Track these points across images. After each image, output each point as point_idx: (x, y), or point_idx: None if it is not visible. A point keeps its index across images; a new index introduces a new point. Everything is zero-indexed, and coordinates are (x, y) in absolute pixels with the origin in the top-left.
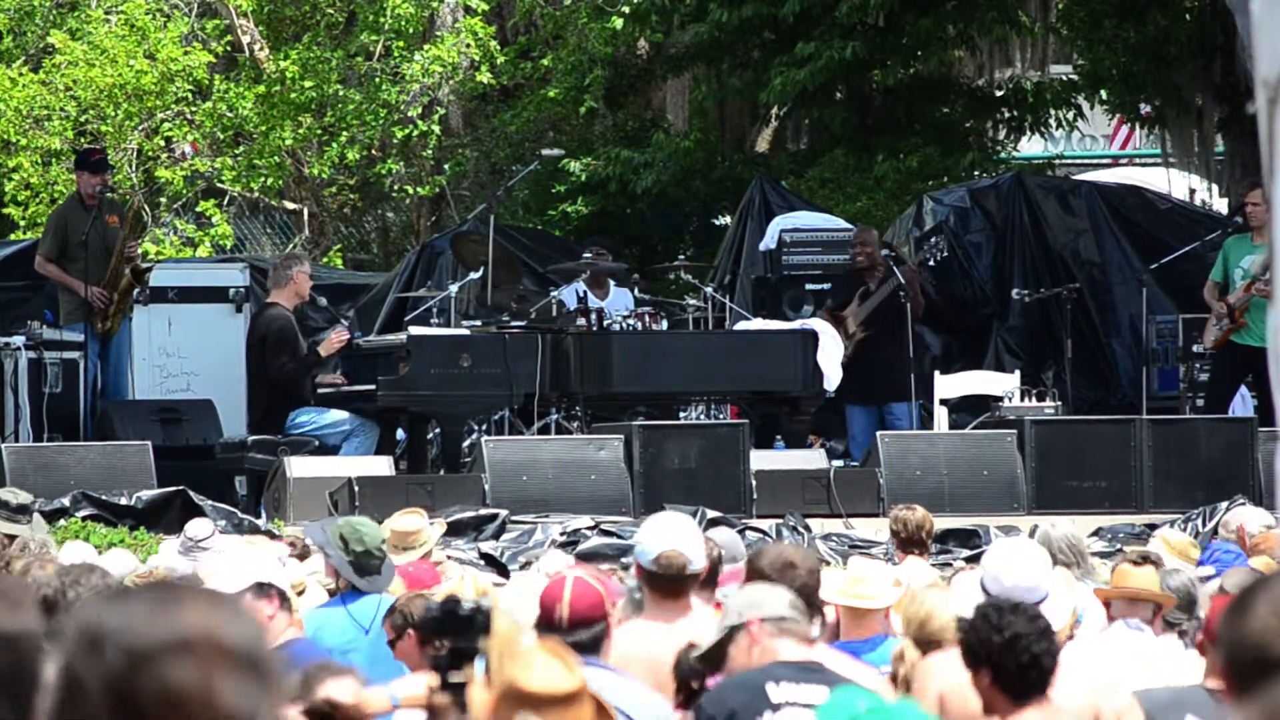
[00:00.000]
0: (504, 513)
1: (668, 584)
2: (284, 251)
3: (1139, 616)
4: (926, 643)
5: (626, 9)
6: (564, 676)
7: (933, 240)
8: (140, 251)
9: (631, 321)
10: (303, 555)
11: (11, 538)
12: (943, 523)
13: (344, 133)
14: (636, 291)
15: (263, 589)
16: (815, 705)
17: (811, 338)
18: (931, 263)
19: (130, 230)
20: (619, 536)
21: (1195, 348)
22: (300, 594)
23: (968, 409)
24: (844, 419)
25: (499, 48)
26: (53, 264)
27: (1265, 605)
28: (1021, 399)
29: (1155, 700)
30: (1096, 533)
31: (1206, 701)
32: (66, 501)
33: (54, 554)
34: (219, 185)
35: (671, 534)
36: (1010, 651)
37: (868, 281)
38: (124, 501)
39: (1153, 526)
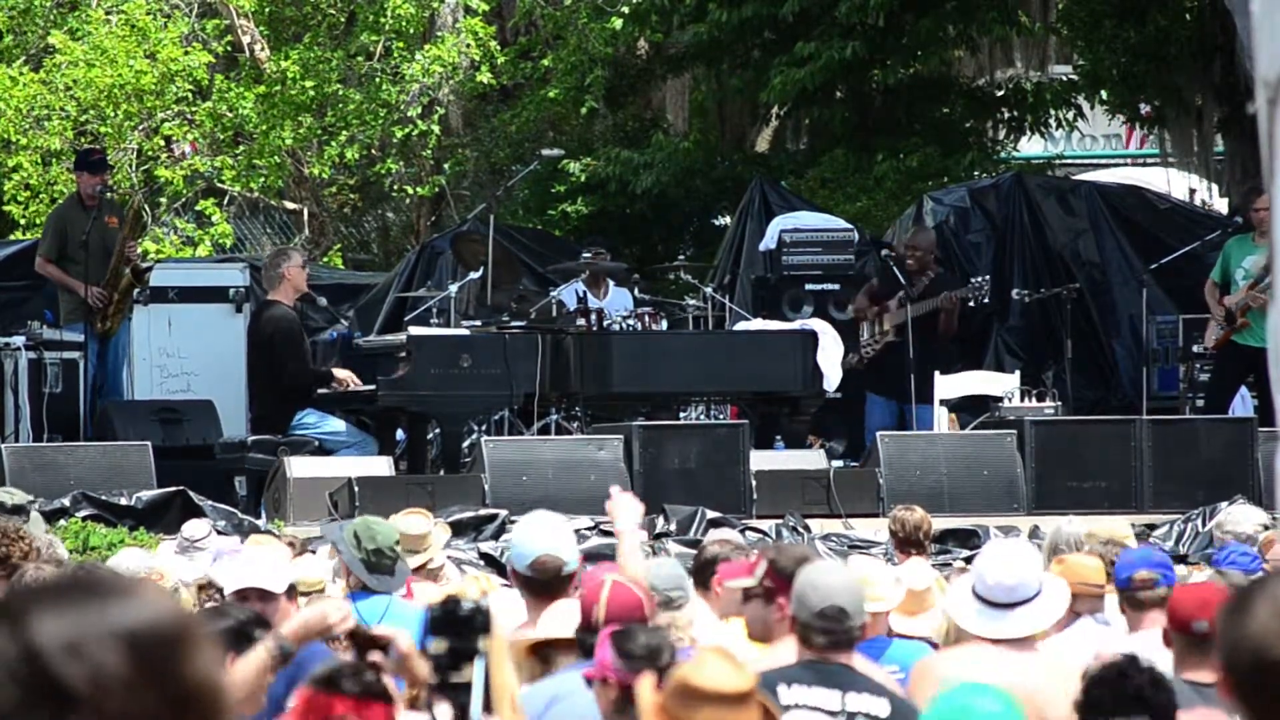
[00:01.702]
0: (504, 513)
1: (543, 588)
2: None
3: (1098, 611)
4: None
5: (626, 9)
6: (734, 676)
7: (978, 280)
8: (140, 251)
9: (631, 321)
10: (300, 554)
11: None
12: (942, 523)
13: (344, 132)
14: (636, 291)
15: (291, 591)
16: (824, 709)
17: (811, 338)
18: (973, 304)
19: (130, 230)
20: None
21: (1195, 348)
22: (319, 593)
23: (968, 409)
24: (844, 419)
25: (499, 48)
26: (52, 264)
27: (1264, 607)
28: (1021, 399)
29: None
30: None
31: (1190, 694)
32: (66, 502)
33: (60, 553)
34: (219, 185)
35: (546, 537)
36: None
37: (914, 284)
38: (124, 502)
39: (1152, 527)
